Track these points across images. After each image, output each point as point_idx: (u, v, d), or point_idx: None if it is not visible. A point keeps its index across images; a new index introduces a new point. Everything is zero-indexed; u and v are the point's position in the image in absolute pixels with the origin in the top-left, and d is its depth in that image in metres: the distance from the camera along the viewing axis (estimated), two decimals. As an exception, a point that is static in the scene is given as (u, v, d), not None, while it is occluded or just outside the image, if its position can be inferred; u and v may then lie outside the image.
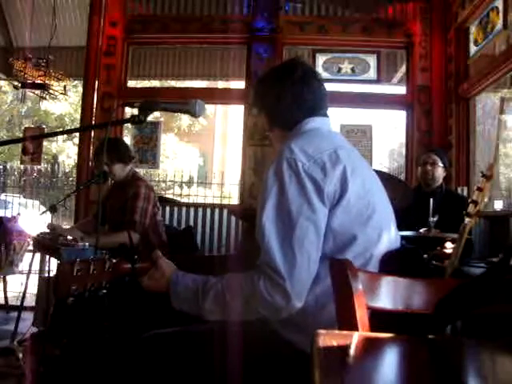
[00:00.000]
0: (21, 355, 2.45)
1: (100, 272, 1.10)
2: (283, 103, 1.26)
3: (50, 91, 4.67)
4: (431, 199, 2.35)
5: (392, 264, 1.10)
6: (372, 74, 3.92)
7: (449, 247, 2.41)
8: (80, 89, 5.38)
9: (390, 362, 0.65)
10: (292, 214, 1.05)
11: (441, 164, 2.79)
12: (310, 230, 1.05)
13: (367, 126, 3.93)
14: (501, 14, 3.03)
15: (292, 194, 1.06)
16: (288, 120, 1.27)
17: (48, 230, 2.52)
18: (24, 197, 8.53)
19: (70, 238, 2.25)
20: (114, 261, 1.13)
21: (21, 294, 2.90)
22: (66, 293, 1.05)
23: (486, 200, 1.90)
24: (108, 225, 2.63)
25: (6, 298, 3.75)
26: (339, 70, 3.94)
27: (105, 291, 1.12)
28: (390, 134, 17.67)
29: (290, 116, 1.26)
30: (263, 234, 1.06)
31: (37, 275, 3.02)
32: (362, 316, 0.82)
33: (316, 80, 1.29)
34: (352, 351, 0.65)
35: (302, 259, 1.03)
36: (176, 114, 14.48)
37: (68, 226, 3.15)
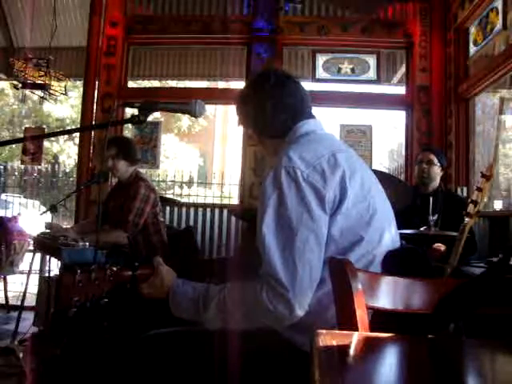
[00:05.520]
0: (21, 355, 2.45)
1: (101, 281, 1.09)
2: (265, 112, 1.24)
3: (51, 91, 4.67)
4: (431, 198, 2.35)
5: (394, 264, 1.10)
6: (372, 74, 3.92)
7: (436, 246, 2.43)
8: (80, 89, 5.39)
9: (389, 362, 0.65)
10: (292, 223, 1.04)
11: (437, 163, 2.76)
12: (310, 238, 1.04)
13: (367, 126, 3.93)
14: (500, 15, 3.03)
15: (291, 202, 1.05)
16: (275, 128, 1.25)
17: (46, 230, 2.53)
18: (24, 197, 8.52)
19: (70, 237, 2.25)
20: (115, 268, 1.12)
21: (21, 294, 2.90)
22: (67, 305, 1.04)
23: (485, 200, 1.90)
24: (109, 224, 2.64)
25: (6, 297, 3.75)
26: (339, 70, 3.94)
27: (106, 300, 1.11)
28: (389, 134, 17.66)
29: (276, 123, 1.24)
30: (264, 245, 1.05)
31: (37, 275, 3.02)
32: (361, 316, 0.82)
33: (292, 82, 1.27)
34: (352, 351, 0.65)
35: (304, 269, 1.03)
36: (176, 115, 14.48)
37: (68, 226, 3.15)
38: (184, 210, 3.81)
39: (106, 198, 2.81)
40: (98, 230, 2.48)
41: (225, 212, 3.80)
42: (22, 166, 7.49)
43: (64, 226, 3.01)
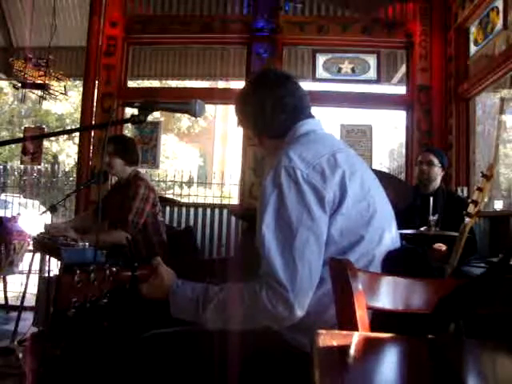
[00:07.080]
0: (21, 355, 2.45)
1: (100, 281, 1.09)
2: (265, 112, 1.23)
3: (50, 91, 4.67)
4: (431, 198, 2.35)
5: (394, 264, 1.10)
6: (372, 73, 3.92)
7: (438, 246, 2.43)
8: (80, 88, 5.40)
9: (390, 362, 0.64)
10: (292, 223, 1.04)
11: (437, 163, 2.75)
12: (310, 239, 1.04)
13: (367, 126, 3.93)
14: (501, 14, 3.03)
15: (291, 202, 1.05)
16: (275, 127, 1.25)
17: (44, 231, 2.52)
18: (24, 197, 8.51)
19: (70, 237, 2.25)
20: (115, 269, 1.12)
21: (21, 294, 2.90)
22: (66, 305, 1.04)
23: (485, 200, 1.90)
24: (108, 222, 2.63)
25: (6, 297, 3.75)
26: (339, 69, 3.94)
27: (105, 301, 1.10)
28: (390, 134, 17.65)
29: (276, 123, 1.24)
30: (263, 245, 1.05)
31: (37, 275, 3.01)
32: (362, 316, 0.82)
33: (291, 82, 1.27)
34: (352, 351, 0.65)
35: (304, 269, 1.02)
36: (176, 115, 14.48)
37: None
38: (184, 209, 3.81)
39: (106, 196, 2.80)
40: (98, 230, 2.48)
41: (225, 212, 3.80)
42: (22, 166, 7.49)
43: (63, 222, 3.00)
